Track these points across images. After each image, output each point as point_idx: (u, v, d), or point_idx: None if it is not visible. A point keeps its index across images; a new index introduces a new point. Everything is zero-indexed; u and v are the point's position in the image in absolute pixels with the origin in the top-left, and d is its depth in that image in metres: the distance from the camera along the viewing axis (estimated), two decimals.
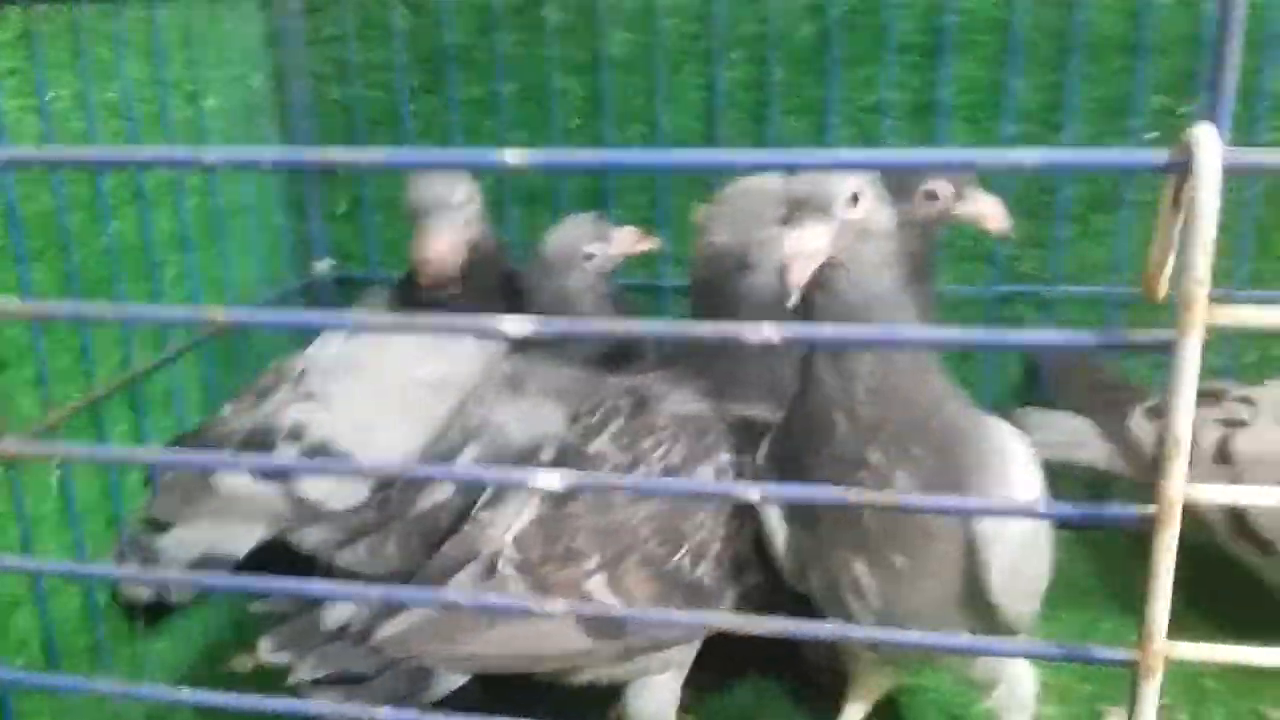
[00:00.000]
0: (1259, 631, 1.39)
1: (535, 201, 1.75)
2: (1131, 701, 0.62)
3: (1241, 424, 1.33)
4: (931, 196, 1.25)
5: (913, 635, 0.87)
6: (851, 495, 0.70)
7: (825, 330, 0.73)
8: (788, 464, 1.05)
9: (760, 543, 1.11)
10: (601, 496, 1.13)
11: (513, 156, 0.56)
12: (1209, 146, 0.51)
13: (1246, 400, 1.35)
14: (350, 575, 1.22)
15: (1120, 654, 0.62)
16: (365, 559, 1.24)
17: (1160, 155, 0.53)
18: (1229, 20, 0.46)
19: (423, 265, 1.44)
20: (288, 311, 1.61)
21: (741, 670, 1.38)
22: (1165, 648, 0.60)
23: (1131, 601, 0.72)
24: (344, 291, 1.84)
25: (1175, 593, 0.63)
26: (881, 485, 0.97)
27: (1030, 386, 1.64)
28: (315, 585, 0.91)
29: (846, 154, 0.56)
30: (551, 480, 0.64)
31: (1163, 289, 0.56)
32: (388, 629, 1.09)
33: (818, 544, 1.04)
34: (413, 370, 1.46)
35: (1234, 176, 0.51)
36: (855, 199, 0.92)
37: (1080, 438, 1.49)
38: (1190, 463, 1.37)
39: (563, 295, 1.39)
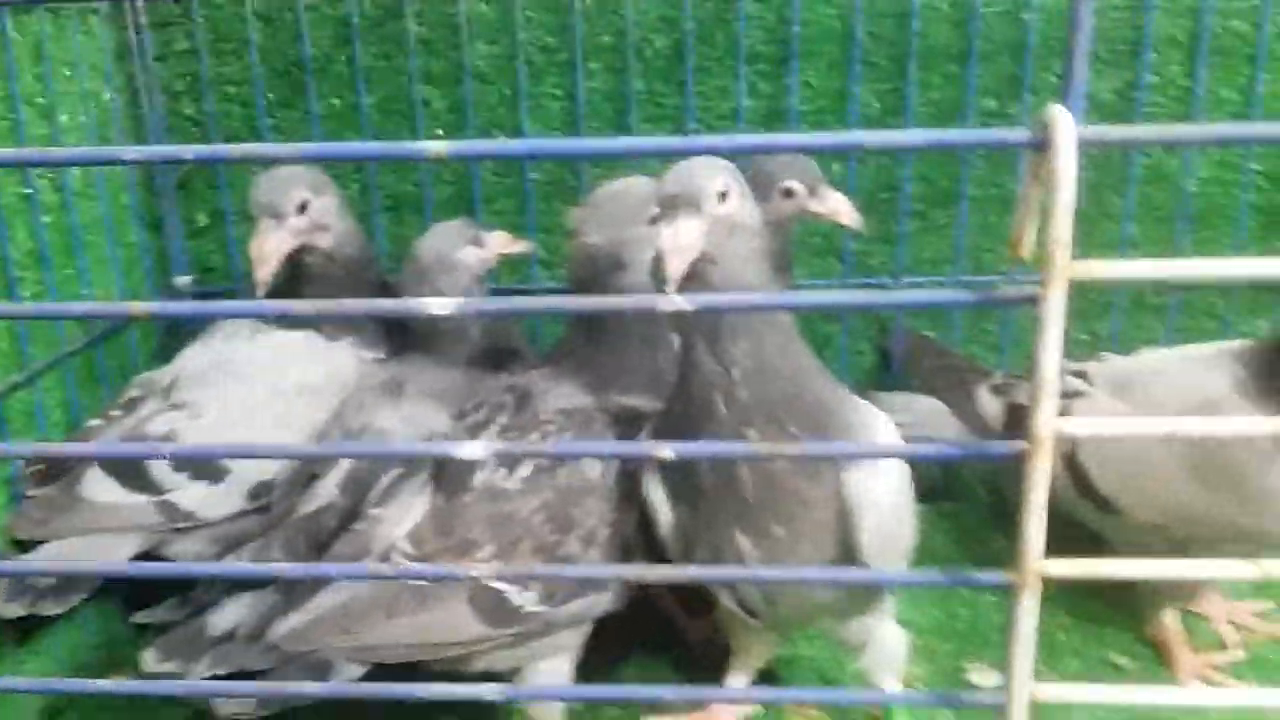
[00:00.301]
0: (1105, 590, 1.52)
1: (402, 209, 1.77)
2: (1010, 623, 0.69)
3: (1077, 395, 1.44)
4: (788, 194, 1.34)
5: (811, 571, 0.94)
6: (763, 450, 0.76)
7: (725, 299, 0.79)
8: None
9: (645, 528, 1.16)
10: (492, 490, 1.16)
11: (434, 148, 0.60)
12: (1064, 124, 0.59)
13: (1082, 374, 1.47)
14: (235, 586, 1.22)
15: (998, 577, 0.69)
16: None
17: (1023, 133, 0.61)
18: (1078, 15, 0.52)
19: (254, 265, 1.43)
20: (202, 304, 1.57)
21: (627, 653, 1.43)
22: (1040, 566, 0.67)
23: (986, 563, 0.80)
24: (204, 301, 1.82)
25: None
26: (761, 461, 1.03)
27: (883, 370, 1.74)
28: (240, 566, 0.92)
29: (786, 139, 0.62)
30: (475, 450, 0.67)
31: (1026, 251, 0.64)
32: (284, 626, 1.09)
33: (702, 521, 1.10)
34: (286, 376, 1.45)
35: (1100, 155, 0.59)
36: (724, 195, 0.98)
37: (931, 416, 1.60)
38: None
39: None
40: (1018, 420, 1.45)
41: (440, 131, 1.72)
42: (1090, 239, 1.67)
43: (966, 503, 1.80)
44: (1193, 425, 0.71)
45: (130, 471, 1.37)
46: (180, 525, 1.38)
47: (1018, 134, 0.61)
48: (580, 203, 1.29)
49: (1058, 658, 1.43)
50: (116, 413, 1.48)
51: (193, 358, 1.51)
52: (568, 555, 1.16)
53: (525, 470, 1.18)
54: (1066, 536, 1.40)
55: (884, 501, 1.05)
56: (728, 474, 1.06)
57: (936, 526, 1.73)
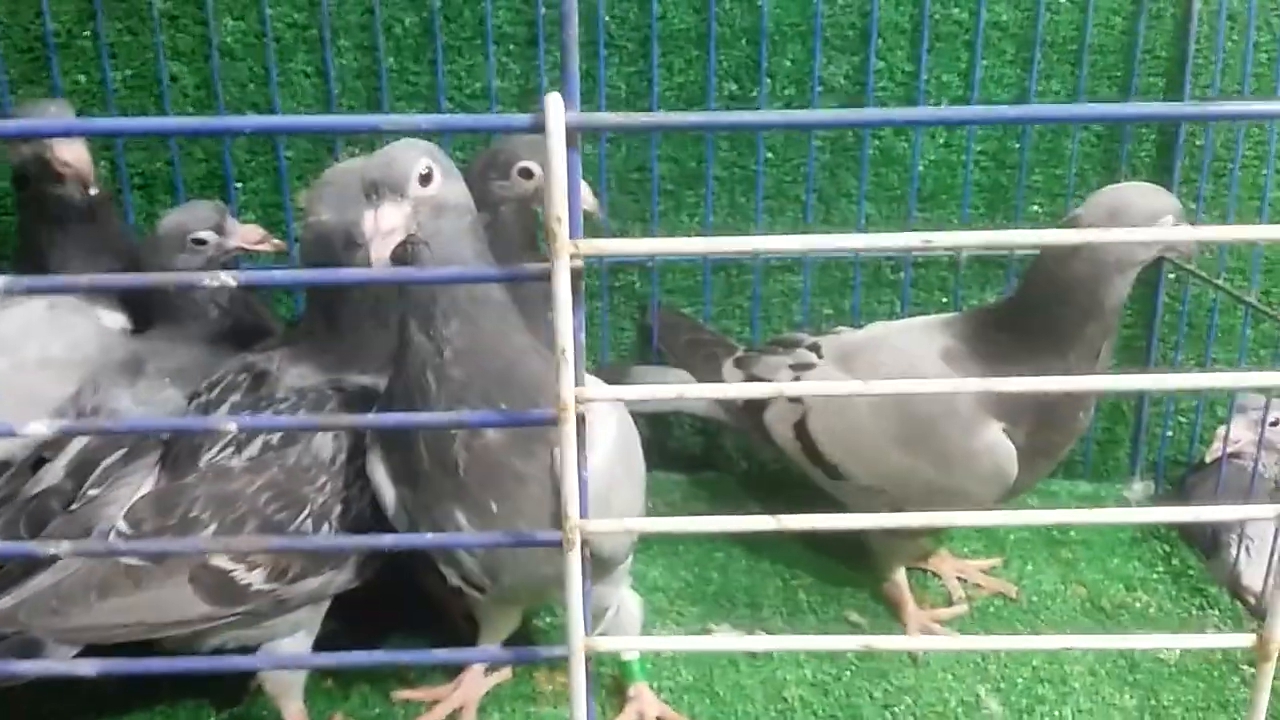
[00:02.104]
0: (842, 547, 1.62)
1: (153, 186, 1.73)
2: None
3: (809, 367, 1.53)
4: (527, 174, 1.37)
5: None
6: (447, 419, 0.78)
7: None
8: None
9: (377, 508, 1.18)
10: (217, 469, 1.16)
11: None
12: (556, 110, 0.64)
13: (815, 347, 1.55)
14: None
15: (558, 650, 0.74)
16: None
17: (525, 118, 0.66)
18: (567, 8, 0.56)
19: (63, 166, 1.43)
20: None
21: (389, 629, 1.45)
22: (582, 525, 0.72)
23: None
24: None
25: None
26: (472, 439, 1.07)
27: (645, 346, 1.80)
28: None
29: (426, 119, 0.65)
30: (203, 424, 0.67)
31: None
32: None
33: (422, 499, 1.12)
34: (24, 350, 1.41)
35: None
36: (426, 177, 1.00)
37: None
38: (770, 403, 1.56)
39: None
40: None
41: (190, 109, 1.69)
42: (829, 218, 1.76)
43: (726, 472, 1.88)
44: (886, 387, 0.77)
45: None
46: None
47: (520, 119, 0.66)
48: (310, 184, 1.30)
49: (797, 616, 1.52)
50: None
51: None
52: (298, 533, 1.17)
53: (254, 449, 1.18)
54: (806, 499, 1.51)
55: (602, 473, 1.08)
56: (443, 452, 1.08)
57: (696, 495, 1.81)
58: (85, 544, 1.05)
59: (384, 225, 0.97)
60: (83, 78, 1.68)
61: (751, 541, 1.66)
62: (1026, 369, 1.29)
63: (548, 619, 1.48)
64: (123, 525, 1.13)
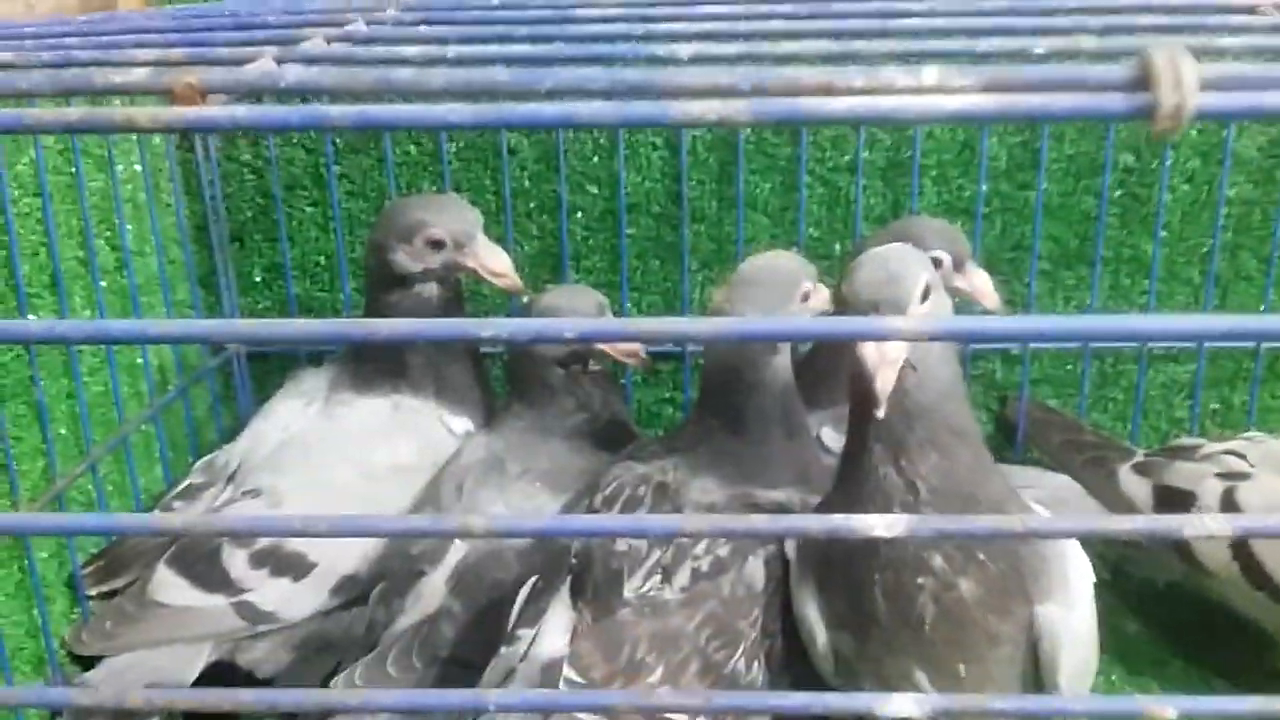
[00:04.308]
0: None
1: None
2: None
3: (1242, 477, 1.33)
4: (436, 245, 1.29)
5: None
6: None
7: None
8: (827, 562, 1.00)
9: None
10: (653, 602, 1.02)
11: None
12: None
13: (1235, 454, 1.35)
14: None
15: None
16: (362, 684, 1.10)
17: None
18: None
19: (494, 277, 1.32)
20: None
21: None
22: None
23: None
24: (260, 371, 1.67)
25: None
26: (944, 591, 0.93)
27: (1003, 443, 1.61)
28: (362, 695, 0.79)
29: None
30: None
31: None
32: None
33: (871, 651, 0.98)
34: (374, 454, 1.30)
35: None
36: (926, 293, 0.90)
37: (1066, 495, 1.47)
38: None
39: None
40: (1170, 504, 1.34)
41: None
42: (1226, 304, 1.55)
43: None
44: None
45: (204, 569, 1.23)
46: (261, 629, 1.23)
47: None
48: (723, 282, 1.16)
49: None
50: (178, 504, 1.33)
51: (261, 435, 1.35)
52: (734, 674, 1.03)
53: (684, 578, 1.04)
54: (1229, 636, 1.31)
55: (1081, 637, 0.96)
56: (905, 601, 0.94)
57: None
58: (528, 694, 0.92)
59: (891, 355, 0.85)
60: (413, 148, 1.60)
61: (1158, 672, 1.43)
62: None
63: None
64: (571, 674, 0.99)
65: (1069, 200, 1.52)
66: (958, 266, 1.26)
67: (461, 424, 1.36)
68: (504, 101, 0.39)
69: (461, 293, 1.38)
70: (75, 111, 0.45)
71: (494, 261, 1.30)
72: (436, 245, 1.29)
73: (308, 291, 1.65)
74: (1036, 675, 0.96)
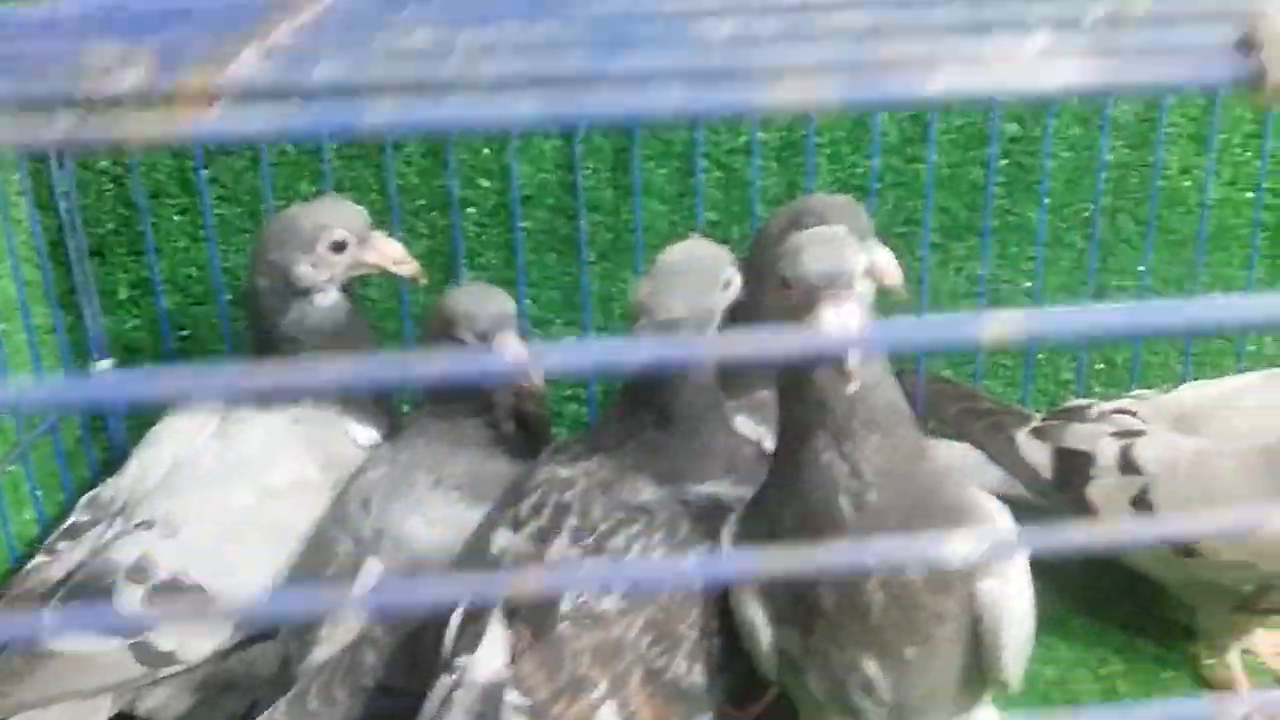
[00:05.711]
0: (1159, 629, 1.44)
1: None
2: None
3: (1137, 434, 1.37)
4: (338, 248, 1.24)
5: None
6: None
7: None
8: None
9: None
10: (592, 614, 0.99)
11: None
12: None
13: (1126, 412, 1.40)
14: None
15: None
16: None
17: None
18: None
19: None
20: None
21: None
22: None
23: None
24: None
25: None
26: (891, 579, 0.92)
27: None
28: None
29: None
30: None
31: None
32: None
33: (818, 644, 0.97)
34: (271, 473, 1.23)
35: None
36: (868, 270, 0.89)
37: (968, 464, 1.50)
38: (1094, 477, 1.38)
39: None
40: (1070, 465, 1.37)
41: None
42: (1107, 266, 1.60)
43: None
44: None
45: (99, 609, 1.14)
46: (162, 673, 1.15)
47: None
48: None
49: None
50: (63, 544, 1.23)
51: (150, 462, 1.26)
52: (675, 678, 1.01)
53: (620, 585, 1.02)
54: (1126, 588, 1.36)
55: (1021, 610, 0.97)
56: (854, 592, 0.93)
57: None
58: None
59: (854, 328, 0.85)
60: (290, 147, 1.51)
61: (1059, 629, 1.48)
62: None
63: None
64: (515, 697, 0.95)
65: (958, 172, 1.54)
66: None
67: (368, 434, 1.29)
68: (576, 91, 0.34)
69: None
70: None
71: (394, 251, 1.27)
72: (339, 248, 1.23)
73: (180, 306, 1.56)
74: (977, 649, 0.97)
